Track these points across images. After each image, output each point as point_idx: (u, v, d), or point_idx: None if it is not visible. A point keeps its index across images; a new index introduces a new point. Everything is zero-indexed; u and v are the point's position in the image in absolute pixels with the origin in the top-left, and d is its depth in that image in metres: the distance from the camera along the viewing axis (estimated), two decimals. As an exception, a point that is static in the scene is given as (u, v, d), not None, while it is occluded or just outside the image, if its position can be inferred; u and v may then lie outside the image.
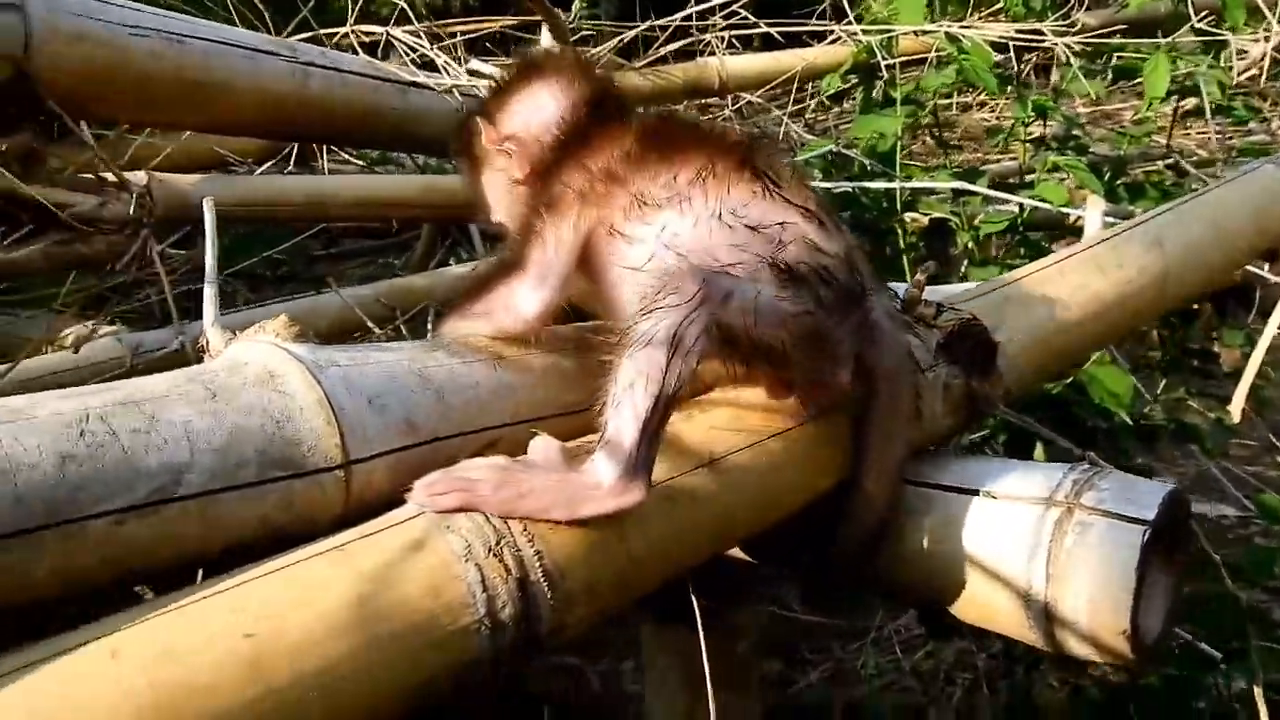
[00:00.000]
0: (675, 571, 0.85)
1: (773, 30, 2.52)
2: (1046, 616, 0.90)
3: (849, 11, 2.51)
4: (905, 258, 2.50)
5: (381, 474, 0.76)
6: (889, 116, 2.54)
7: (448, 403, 0.81)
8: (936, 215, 2.57)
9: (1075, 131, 2.69)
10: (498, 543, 0.72)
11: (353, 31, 1.75)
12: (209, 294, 0.85)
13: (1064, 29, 2.49)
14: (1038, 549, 0.90)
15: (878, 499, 0.91)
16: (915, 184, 2.44)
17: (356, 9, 1.82)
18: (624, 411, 0.74)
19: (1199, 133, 3.46)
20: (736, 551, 1.02)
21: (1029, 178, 2.54)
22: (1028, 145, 2.68)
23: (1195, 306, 2.48)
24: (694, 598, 1.00)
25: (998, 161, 2.97)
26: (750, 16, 2.50)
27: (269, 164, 1.76)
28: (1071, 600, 0.88)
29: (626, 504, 0.74)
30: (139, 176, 1.24)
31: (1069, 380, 1.75)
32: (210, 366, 0.74)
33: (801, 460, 0.89)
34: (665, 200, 0.85)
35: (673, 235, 0.83)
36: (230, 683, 0.60)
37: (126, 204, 1.18)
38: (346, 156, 2.39)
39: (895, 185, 2.46)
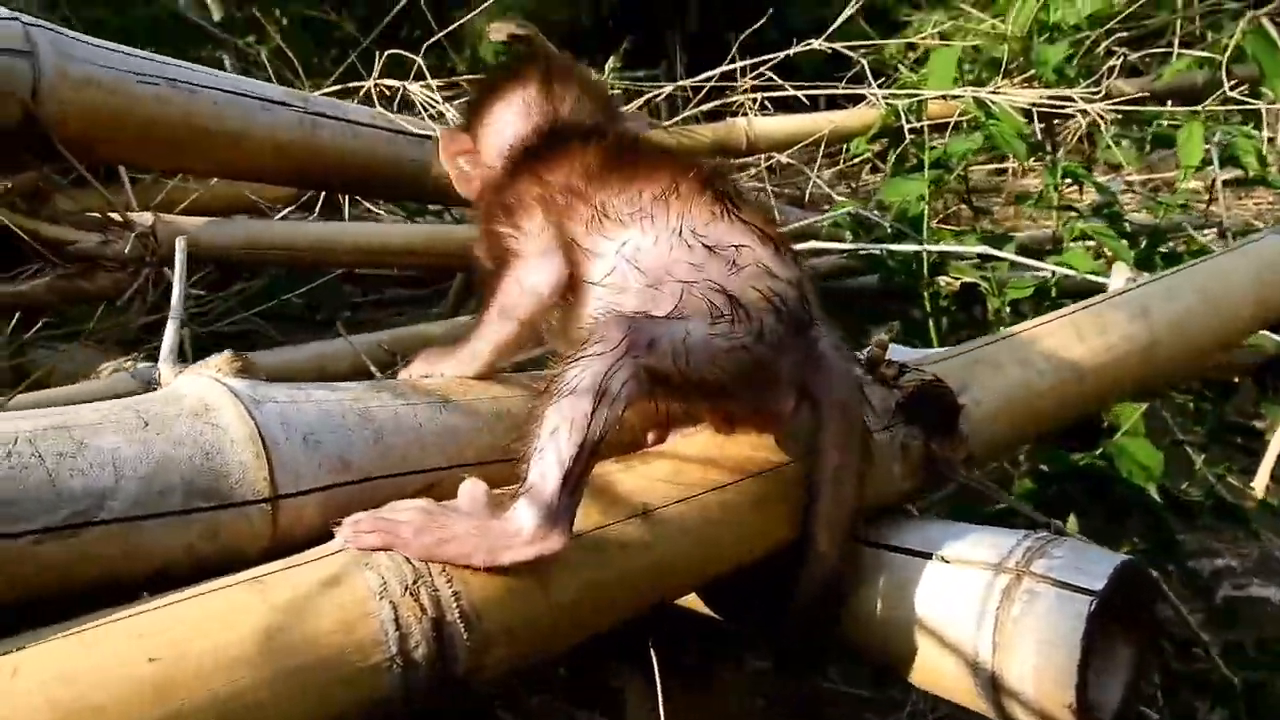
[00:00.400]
0: (607, 621, 0.85)
1: (800, 93, 2.55)
2: (993, 686, 0.88)
3: (868, 76, 2.53)
4: (933, 322, 2.49)
5: (312, 510, 0.77)
6: (916, 180, 2.55)
7: (387, 443, 0.83)
8: (966, 280, 2.55)
9: (1108, 199, 2.67)
10: (415, 582, 0.72)
11: (375, 86, 1.81)
12: (170, 329, 0.88)
13: (1094, 95, 2.48)
14: (985, 616, 0.88)
15: (829, 553, 0.90)
16: (940, 247, 2.43)
17: (379, 65, 1.89)
18: (546, 458, 0.75)
19: (1255, 202, 3.41)
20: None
21: (1062, 245, 2.52)
22: (1060, 212, 2.66)
23: (1235, 380, 2.43)
24: (654, 652, 1.00)
25: (1031, 228, 2.96)
26: (775, 78, 2.53)
27: (289, 209, 1.80)
28: (1017, 669, 0.86)
29: (545, 551, 0.74)
30: (145, 217, 1.29)
31: (1099, 451, 1.72)
32: (148, 397, 0.76)
33: (743, 515, 0.89)
34: (628, 216, 0.86)
35: (634, 250, 0.84)
36: (131, 706, 0.61)
37: (129, 243, 1.23)
38: (388, 209, 2.43)
39: (921, 248, 2.47)
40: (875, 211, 2.64)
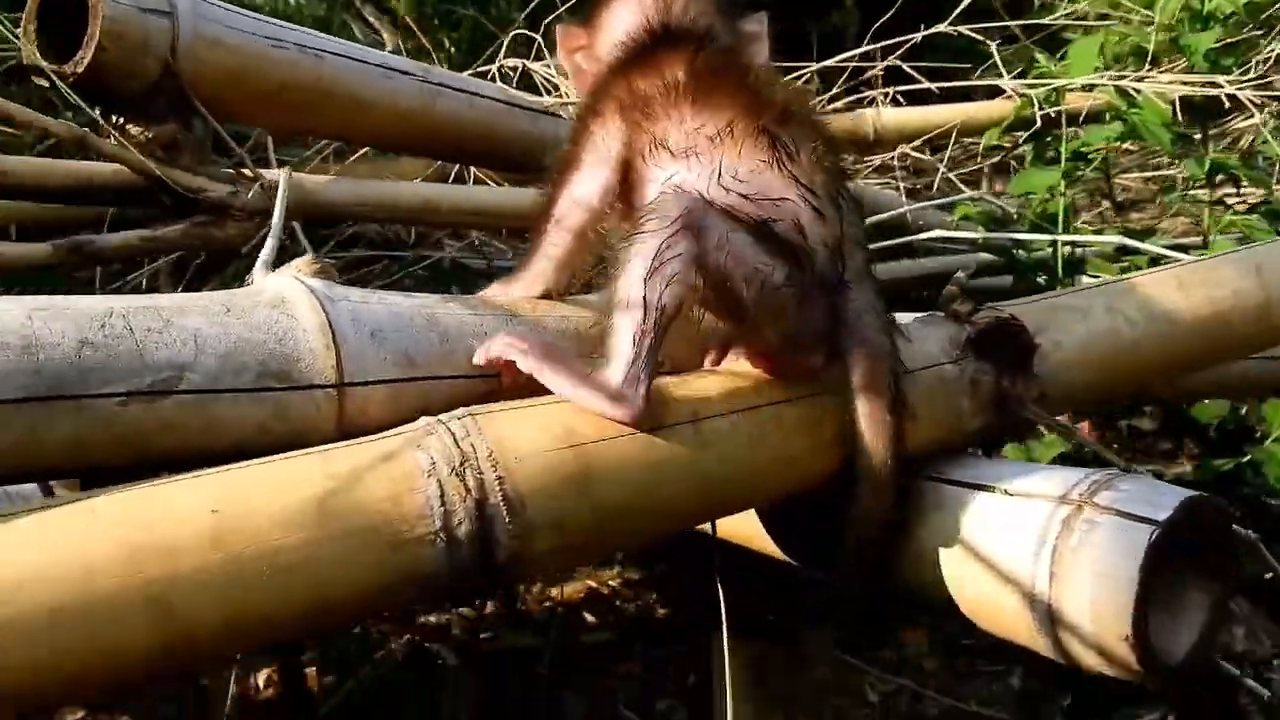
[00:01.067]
0: (656, 528, 0.88)
1: (931, 85, 2.51)
2: (1050, 619, 0.85)
3: (1001, 67, 2.47)
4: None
5: (378, 401, 0.83)
6: (1050, 172, 2.47)
7: (451, 346, 0.87)
8: (1107, 278, 2.46)
9: (1265, 194, 2.52)
10: (461, 464, 0.77)
11: (500, 67, 1.89)
12: (269, 244, 0.95)
13: (1246, 82, 2.35)
14: (1044, 546, 0.86)
15: (872, 504, 0.90)
16: (1077, 238, 2.35)
17: (503, 47, 1.98)
18: (621, 328, 0.82)
19: None
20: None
21: (1211, 238, 2.40)
22: (1211, 208, 2.53)
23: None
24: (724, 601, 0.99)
25: (1179, 226, 2.82)
26: (905, 68, 2.50)
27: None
28: (1074, 601, 0.84)
29: (620, 415, 0.81)
30: (274, 172, 1.39)
31: (1246, 458, 1.63)
32: (235, 291, 0.83)
33: (792, 436, 0.89)
34: (680, 151, 0.88)
35: (675, 185, 0.87)
36: (193, 549, 0.67)
37: (258, 195, 1.33)
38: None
39: (1054, 238, 2.38)
40: (1006, 205, 2.58)
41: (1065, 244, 2.36)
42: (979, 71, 2.68)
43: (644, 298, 0.81)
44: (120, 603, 0.64)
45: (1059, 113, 2.41)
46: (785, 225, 0.85)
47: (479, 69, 1.98)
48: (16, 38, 1.19)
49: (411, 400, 0.84)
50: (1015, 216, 2.42)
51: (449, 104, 1.57)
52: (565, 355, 0.86)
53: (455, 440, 0.78)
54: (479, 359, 0.86)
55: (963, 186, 2.75)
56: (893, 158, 2.52)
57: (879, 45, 2.48)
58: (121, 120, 1.24)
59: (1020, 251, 2.41)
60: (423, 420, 0.80)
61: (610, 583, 3.16)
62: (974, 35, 2.51)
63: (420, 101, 1.54)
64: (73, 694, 0.82)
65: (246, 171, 1.35)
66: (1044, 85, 2.46)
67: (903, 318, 1.02)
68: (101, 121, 1.21)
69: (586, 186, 0.92)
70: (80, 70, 1.16)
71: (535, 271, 0.96)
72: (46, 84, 1.19)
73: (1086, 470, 0.92)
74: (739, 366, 0.93)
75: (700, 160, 0.87)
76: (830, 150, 0.91)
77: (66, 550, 0.64)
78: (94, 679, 0.66)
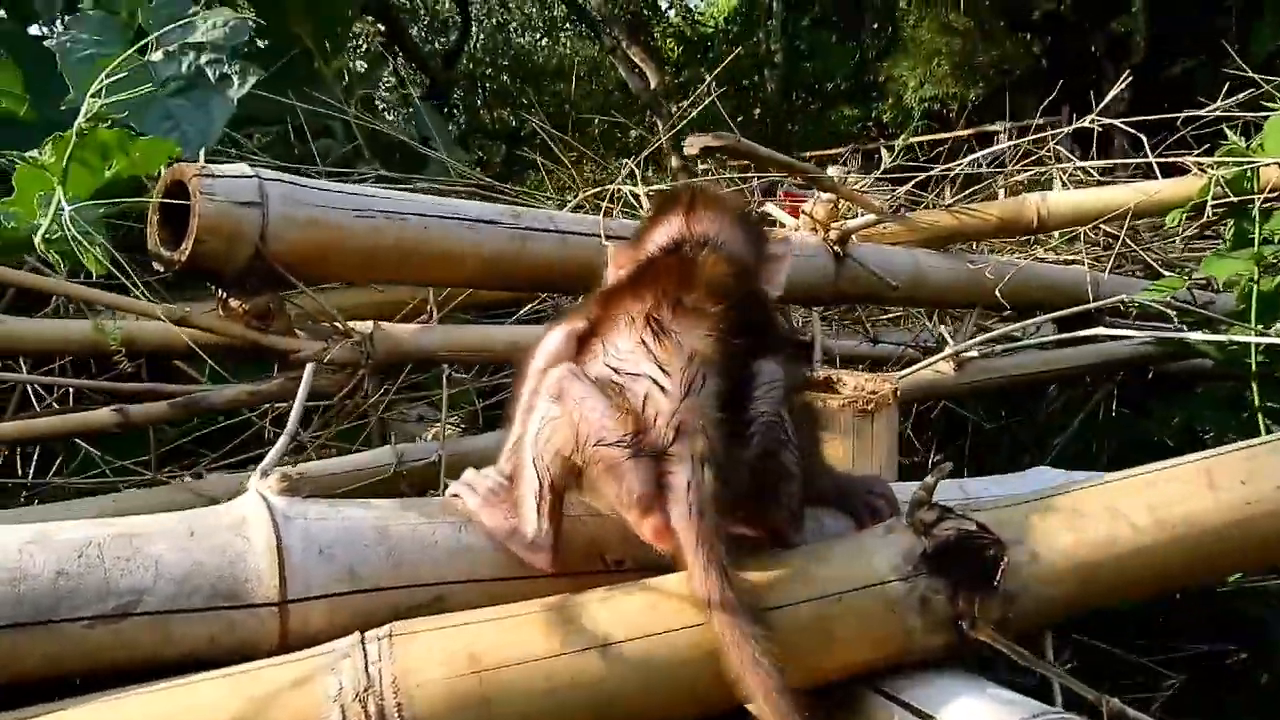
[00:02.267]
0: None
1: (1110, 162, 2.34)
2: None
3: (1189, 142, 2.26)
4: (1261, 419, 2.18)
5: (319, 613, 0.92)
6: (1243, 258, 2.24)
7: (399, 558, 0.96)
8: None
9: None
10: (365, 689, 0.84)
11: (619, 190, 1.98)
12: (279, 444, 1.07)
13: None
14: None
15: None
16: (1269, 339, 2.13)
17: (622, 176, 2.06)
18: (524, 488, 0.96)
19: None
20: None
21: None
22: None
23: None
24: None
25: None
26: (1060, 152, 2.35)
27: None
28: None
29: (536, 563, 0.97)
30: (365, 325, 1.54)
31: None
32: (204, 511, 0.96)
33: (704, 661, 0.90)
34: (600, 331, 0.99)
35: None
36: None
37: (349, 349, 1.48)
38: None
39: (1250, 339, 2.17)
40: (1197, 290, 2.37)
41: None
42: (1160, 148, 2.48)
43: (534, 461, 0.94)
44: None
45: (1252, 193, 2.19)
46: (635, 396, 0.91)
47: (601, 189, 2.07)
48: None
49: (352, 612, 0.93)
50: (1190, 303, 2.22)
51: (540, 246, 1.67)
52: (505, 502, 0.99)
53: (366, 664, 0.86)
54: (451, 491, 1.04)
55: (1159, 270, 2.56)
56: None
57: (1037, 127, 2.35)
58: (225, 295, 1.41)
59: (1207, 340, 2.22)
60: (346, 640, 0.88)
61: None
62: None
63: (511, 247, 1.64)
64: None
65: (339, 325, 1.50)
66: (1236, 163, 2.24)
67: (869, 533, 1.00)
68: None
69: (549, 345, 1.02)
70: (184, 259, 1.35)
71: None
72: (164, 269, 1.39)
73: (1030, 709, 0.87)
74: (667, 580, 0.95)
75: (604, 339, 0.97)
76: (724, 333, 0.94)
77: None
78: None
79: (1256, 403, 2.21)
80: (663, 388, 0.92)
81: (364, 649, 0.87)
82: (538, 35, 22.34)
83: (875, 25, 19.22)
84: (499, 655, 0.87)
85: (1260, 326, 2.21)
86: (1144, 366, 2.66)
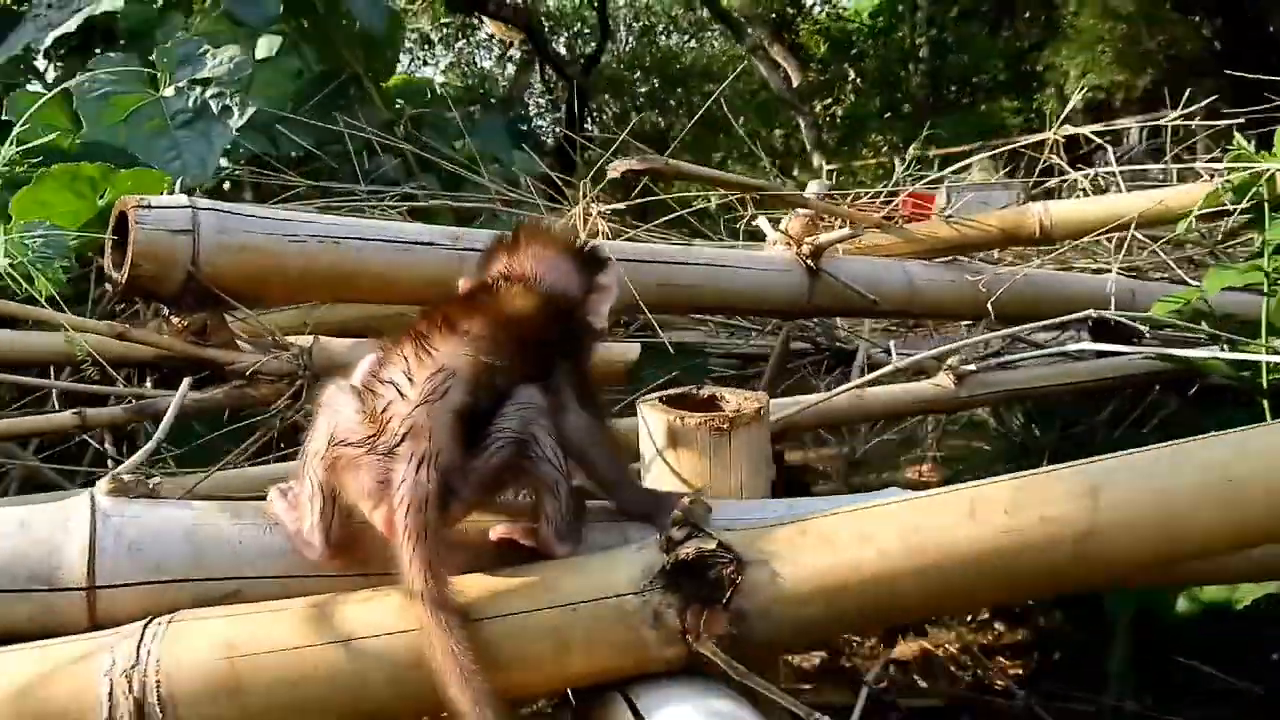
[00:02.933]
0: None
1: (1114, 170, 2.27)
2: None
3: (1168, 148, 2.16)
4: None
5: (126, 599, 1.05)
6: (1248, 268, 2.14)
7: (201, 554, 1.08)
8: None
9: None
10: (132, 667, 0.97)
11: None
12: (138, 455, 1.22)
13: None
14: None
15: None
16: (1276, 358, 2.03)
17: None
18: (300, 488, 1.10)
19: None
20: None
21: None
22: None
23: None
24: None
25: None
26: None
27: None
28: None
29: (310, 556, 1.08)
30: (305, 339, 1.68)
31: None
32: (44, 507, 1.10)
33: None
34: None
35: None
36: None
37: (287, 361, 1.62)
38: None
39: (1259, 357, 2.08)
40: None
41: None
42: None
43: (307, 464, 1.06)
44: None
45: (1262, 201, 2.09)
46: (380, 401, 1.02)
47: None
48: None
49: (155, 601, 1.05)
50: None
51: (478, 265, 1.77)
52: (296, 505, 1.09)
53: (139, 645, 0.98)
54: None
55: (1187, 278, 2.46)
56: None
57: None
58: (166, 312, 1.58)
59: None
60: (134, 625, 1.01)
61: (949, 645, 3.17)
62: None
63: (451, 267, 1.74)
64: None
65: (277, 340, 1.64)
66: (1246, 168, 2.13)
67: (626, 548, 1.06)
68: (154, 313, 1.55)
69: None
70: (123, 282, 1.52)
71: None
72: (112, 289, 1.56)
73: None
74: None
75: (389, 354, 1.07)
76: (480, 354, 1.04)
77: None
78: None
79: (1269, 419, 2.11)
80: (403, 394, 1.01)
81: (143, 632, 0.99)
82: (685, 37, 22.54)
83: (1028, 14, 18.55)
84: (254, 644, 0.98)
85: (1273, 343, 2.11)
86: (1174, 381, 2.56)
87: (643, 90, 21.12)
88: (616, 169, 1.81)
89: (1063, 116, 2.72)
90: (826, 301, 2.16)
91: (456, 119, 3.22)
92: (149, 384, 1.96)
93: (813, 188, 2.38)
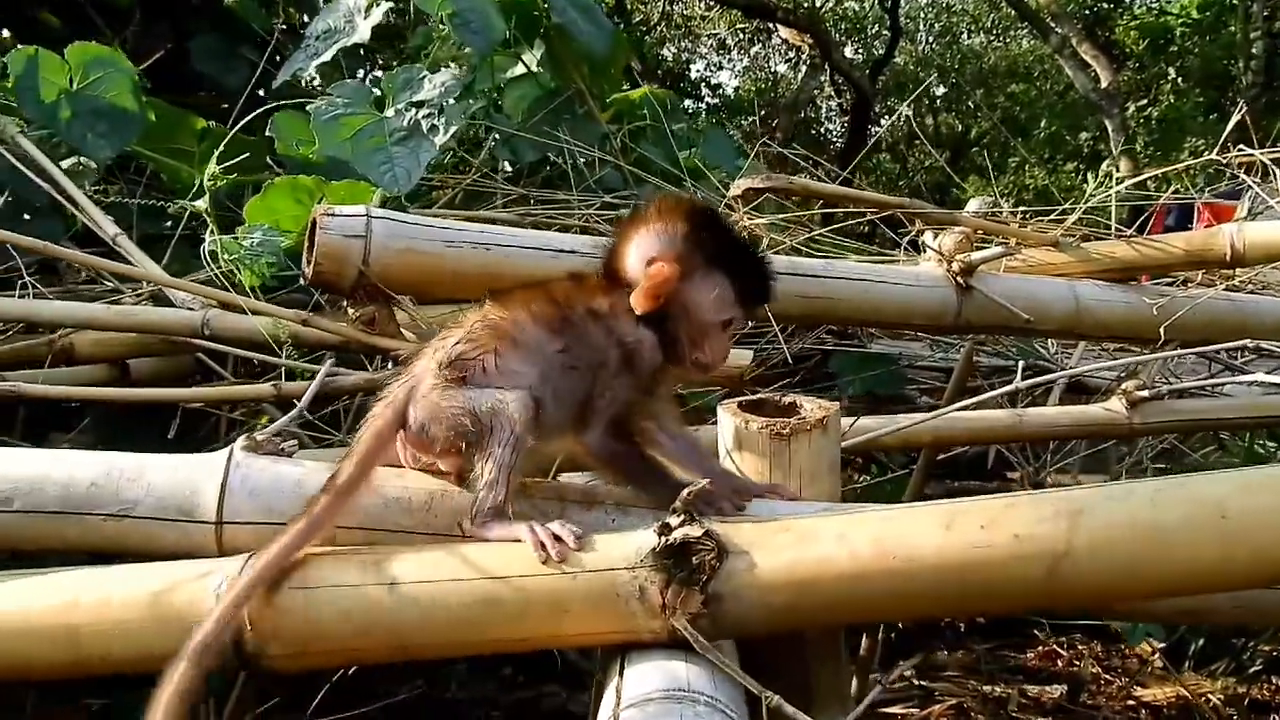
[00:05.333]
0: (367, 659, 1.22)
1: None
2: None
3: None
4: None
5: (247, 534, 1.31)
6: None
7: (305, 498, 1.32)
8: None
9: None
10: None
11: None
12: (284, 419, 1.49)
13: None
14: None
15: None
16: None
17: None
18: None
19: None
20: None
21: None
22: None
23: None
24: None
25: None
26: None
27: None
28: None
29: None
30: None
31: None
32: (198, 456, 1.38)
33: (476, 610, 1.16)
34: None
35: None
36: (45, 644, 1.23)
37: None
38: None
39: None
40: None
41: None
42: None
43: None
44: (47, 631, 1.23)
45: None
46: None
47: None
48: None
49: (267, 534, 1.31)
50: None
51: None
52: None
53: (241, 570, 1.23)
54: None
55: None
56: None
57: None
58: (346, 304, 1.87)
59: None
60: (243, 555, 1.26)
61: (1212, 694, 3.07)
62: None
63: (592, 271, 1.93)
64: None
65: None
66: None
67: (630, 532, 1.19)
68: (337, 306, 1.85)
69: None
70: (310, 276, 1.82)
71: None
72: (305, 282, 1.87)
73: (683, 687, 1.04)
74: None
75: None
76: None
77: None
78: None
79: None
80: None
81: (245, 562, 1.24)
82: (991, 36, 21.68)
83: (1396, 1, 16.37)
84: (321, 578, 1.20)
85: None
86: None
87: (940, 92, 20.51)
88: (738, 187, 1.91)
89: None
90: (976, 318, 2.16)
91: (668, 130, 3.39)
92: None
93: (972, 206, 2.36)
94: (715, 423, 1.53)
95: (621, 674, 1.11)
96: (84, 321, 2.12)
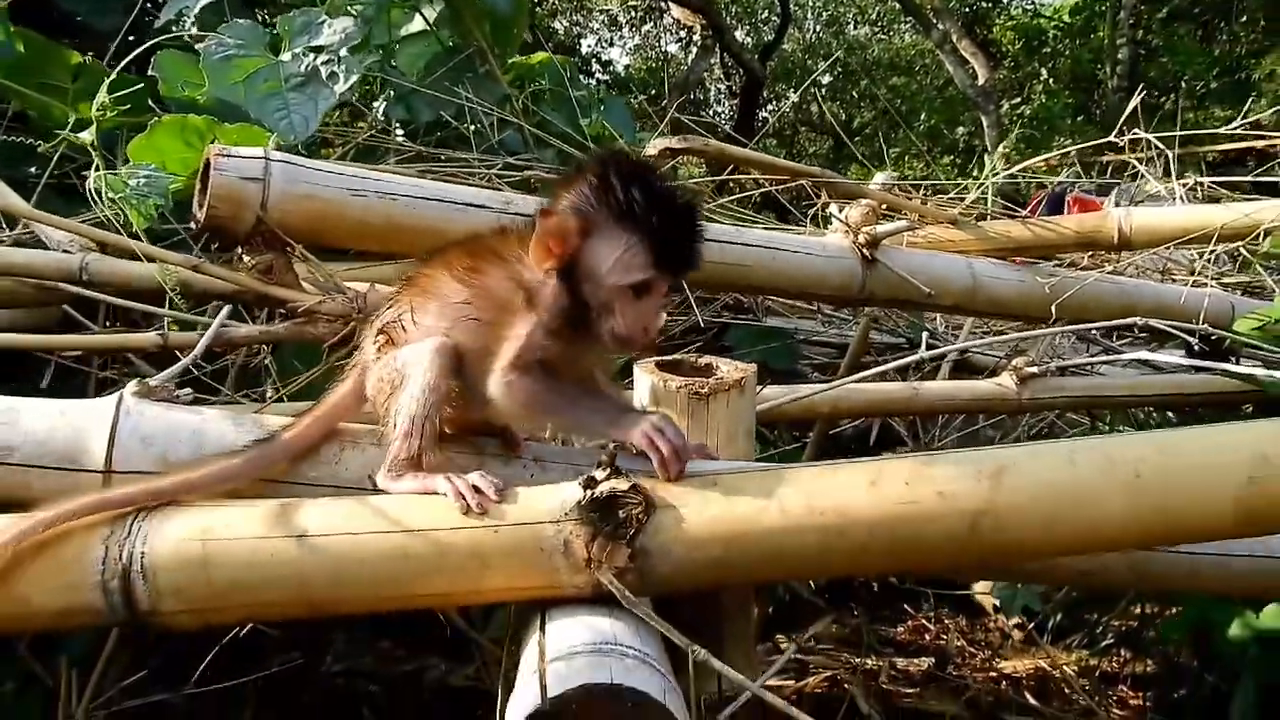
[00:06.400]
0: (262, 615, 1.16)
1: (1207, 180, 2.19)
2: None
3: None
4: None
5: (134, 483, 1.23)
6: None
7: (201, 452, 1.25)
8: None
9: None
10: (125, 539, 1.14)
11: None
12: (178, 365, 1.40)
13: None
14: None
15: None
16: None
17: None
18: None
19: None
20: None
21: None
22: None
23: None
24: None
25: None
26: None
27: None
28: None
29: None
30: (361, 286, 1.84)
31: None
32: (85, 402, 1.29)
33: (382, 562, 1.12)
34: None
35: None
36: None
37: (343, 304, 1.80)
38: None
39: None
40: None
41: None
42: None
43: None
44: None
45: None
46: None
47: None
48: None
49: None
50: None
51: (528, 228, 1.90)
52: None
53: (133, 520, 1.15)
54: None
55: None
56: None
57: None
58: (240, 251, 1.78)
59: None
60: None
61: (1067, 666, 3.15)
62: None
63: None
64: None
65: (336, 284, 1.82)
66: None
67: (554, 486, 1.16)
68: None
69: None
70: (203, 220, 1.72)
71: None
72: (194, 227, 1.77)
73: (608, 639, 1.02)
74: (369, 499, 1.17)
75: None
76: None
77: None
78: None
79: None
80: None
81: (141, 512, 1.16)
82: (876, 28, 22.18)
83: (1245, 19, 17.41)
84: (225, 531, 1.14)
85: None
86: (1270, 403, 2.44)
87: (825, 81, 20.88)
88: (656, 147, 1.89)
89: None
90: (881, 290, 2.19)
91: (572, 97, 3.34)
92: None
93: (879, 179, 2.40)
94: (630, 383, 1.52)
95: (543, 629, 1.09)
96: (-57, 262, 1.96)
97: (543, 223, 1.20)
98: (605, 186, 1.20)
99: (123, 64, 2.18)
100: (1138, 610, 2.87)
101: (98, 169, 1.77)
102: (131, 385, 1.30)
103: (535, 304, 1.23)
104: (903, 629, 3.40)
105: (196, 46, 2.33)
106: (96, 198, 1.75)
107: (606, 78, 19.13)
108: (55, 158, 2.21)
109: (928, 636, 3.35)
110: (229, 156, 1.71)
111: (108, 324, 2.08)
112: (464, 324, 1.26)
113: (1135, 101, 2.15)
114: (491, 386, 1.23)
